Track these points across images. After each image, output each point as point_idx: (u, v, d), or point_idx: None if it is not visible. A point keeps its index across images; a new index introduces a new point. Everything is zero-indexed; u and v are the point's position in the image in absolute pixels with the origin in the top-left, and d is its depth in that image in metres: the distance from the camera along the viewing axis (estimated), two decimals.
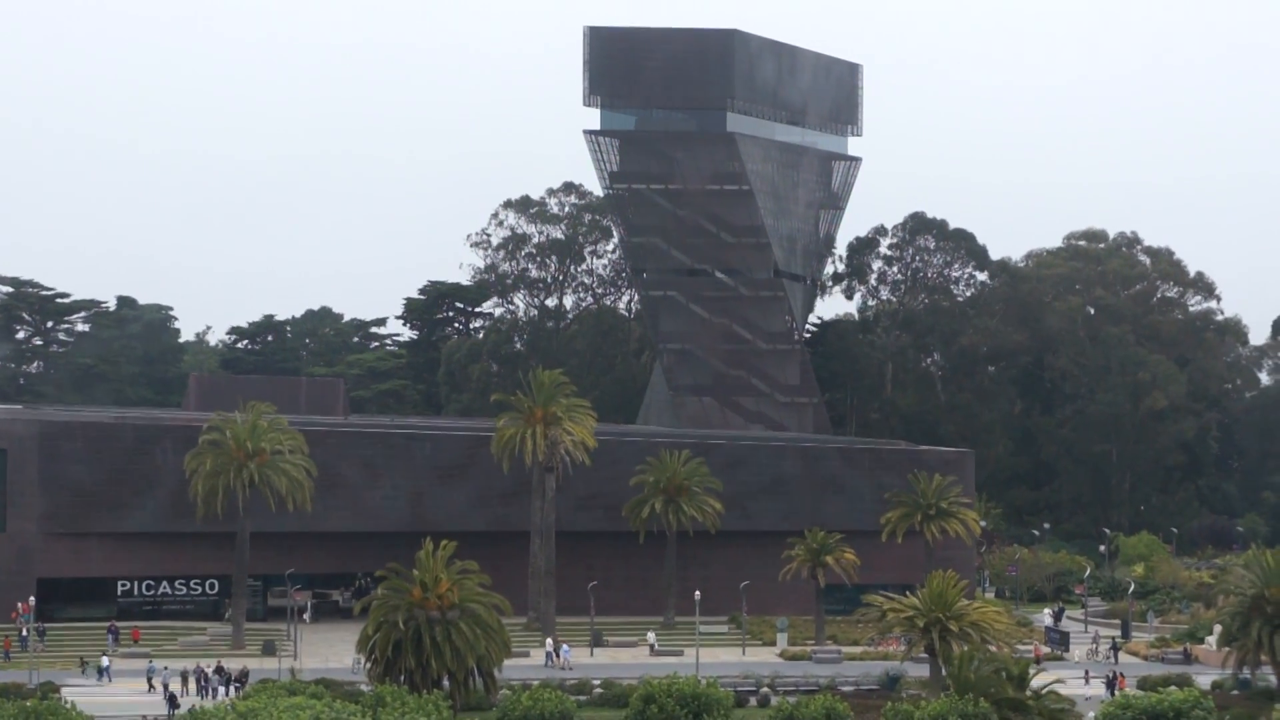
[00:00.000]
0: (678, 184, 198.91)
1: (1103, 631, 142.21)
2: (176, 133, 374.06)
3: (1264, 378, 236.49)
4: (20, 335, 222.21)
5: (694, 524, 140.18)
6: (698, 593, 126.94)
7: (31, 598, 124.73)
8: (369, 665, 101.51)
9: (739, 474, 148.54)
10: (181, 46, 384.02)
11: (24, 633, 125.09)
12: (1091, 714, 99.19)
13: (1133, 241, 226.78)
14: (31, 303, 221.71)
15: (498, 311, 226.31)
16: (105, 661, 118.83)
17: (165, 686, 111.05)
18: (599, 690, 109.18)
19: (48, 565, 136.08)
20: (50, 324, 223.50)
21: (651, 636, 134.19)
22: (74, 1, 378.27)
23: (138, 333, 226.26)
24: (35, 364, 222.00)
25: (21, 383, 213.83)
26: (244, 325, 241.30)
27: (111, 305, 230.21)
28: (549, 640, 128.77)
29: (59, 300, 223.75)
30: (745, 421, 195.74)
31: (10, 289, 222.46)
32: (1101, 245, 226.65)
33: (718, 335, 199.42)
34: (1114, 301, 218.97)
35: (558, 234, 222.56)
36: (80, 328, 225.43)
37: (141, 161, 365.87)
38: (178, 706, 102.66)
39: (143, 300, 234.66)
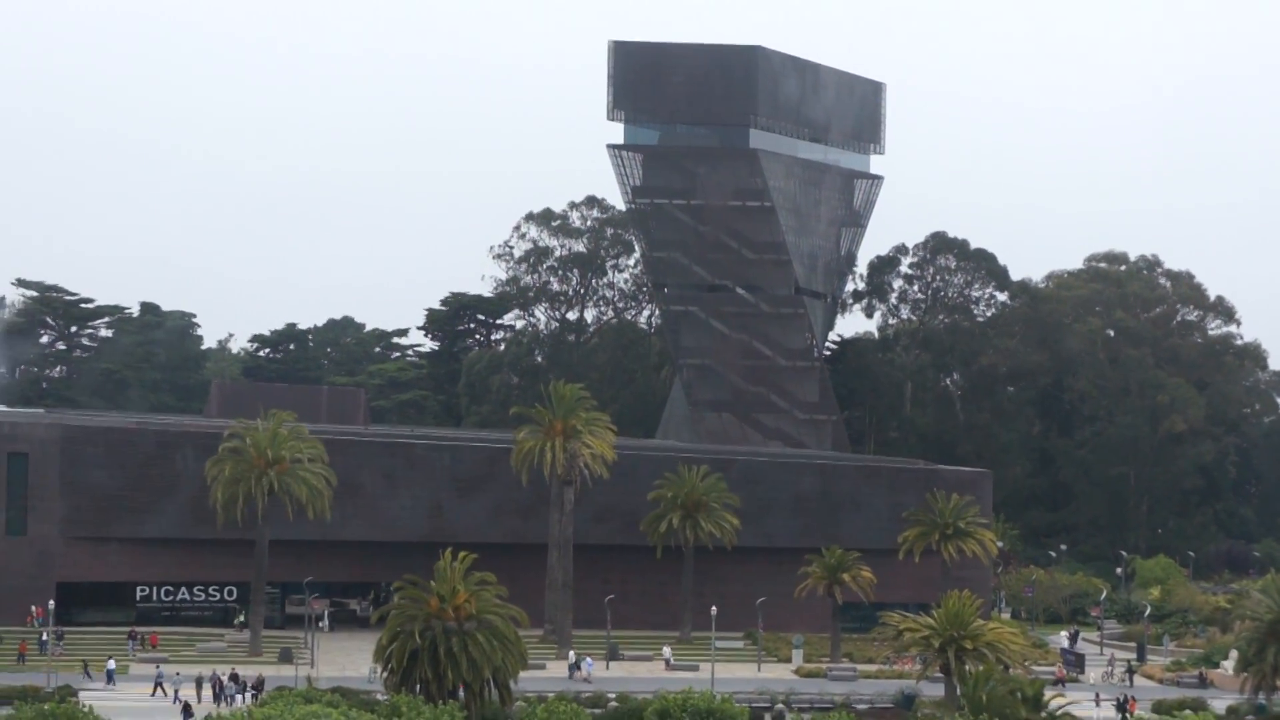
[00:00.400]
0: (700, 199, 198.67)
1: (1118, 654, 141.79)
2: (201, 141, 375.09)
3: None
4: (44, 340, 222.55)
5: (711, 539, 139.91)
6: (714, 608, 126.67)
7: (51, 602, 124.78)
8: (385, 674, 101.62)
9: (757, 490, 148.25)
10: (210, 55, 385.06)
11: (44, 637, 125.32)
12: None
13: (1153, 264, 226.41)
14: (55, 308, 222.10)
15: (519, 324, 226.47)
16: (111, 665, 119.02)
17: (175, 692, 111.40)
18: (614, 704, 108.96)
19: (68, 569, 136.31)
20: (74, 329, 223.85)
21: (667, 651, 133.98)
22: (103, 8, 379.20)
23: (161, 339, 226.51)
24: (58, 368, 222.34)
25: (44, 387, 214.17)
26: (266, 333, 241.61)
27: (135, 311, 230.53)
28: (571, 653, 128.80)
29: (83, 305, 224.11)
30: (764, 438, 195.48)
31: (35, 294, 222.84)
32: (1122, 268, 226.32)
33: (738, 351, 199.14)
34: (1134, 324, 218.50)
35: (579, 247, 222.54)
36: (104, 333, 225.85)
37: (166, 170, 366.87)
38: (192, 715, 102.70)
39: (166, 307, 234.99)
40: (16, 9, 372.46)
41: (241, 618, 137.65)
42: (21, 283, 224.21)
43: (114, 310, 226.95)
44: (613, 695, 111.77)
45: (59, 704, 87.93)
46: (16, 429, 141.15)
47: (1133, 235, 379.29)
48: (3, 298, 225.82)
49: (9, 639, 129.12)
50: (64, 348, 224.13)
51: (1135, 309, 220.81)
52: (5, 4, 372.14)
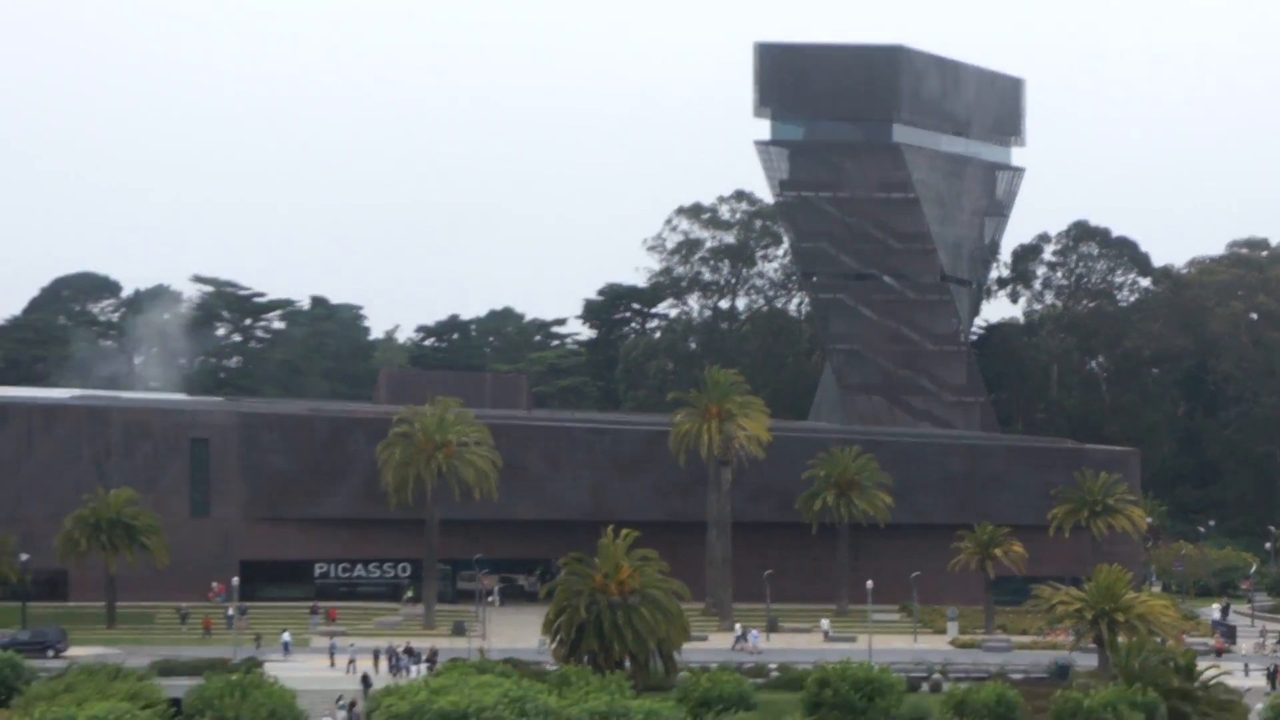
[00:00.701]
0: (845, 192, 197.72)
1: (1270, 626, 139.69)
2: (367, 140, 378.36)
3: None
4: (220, 332, 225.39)
5: (865, 516, 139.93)
6: (870, 582, 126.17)
7: (235, 579, 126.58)
8: (554, 646, 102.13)
9: (908, 469, 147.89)
10: (376, 52, 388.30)
11: (229, 612, 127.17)
12: (1259, 706, 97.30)
13: None
14: (231, 302, 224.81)
15: (673, 312, 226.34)
16: (286, 637, 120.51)
17: (351, 663, 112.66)
18: (775, 674, 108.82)
19: (249, 548, 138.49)
20: (248, 322, 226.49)
21: (825, 623, 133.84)
22: (277, 5, 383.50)
23: (330, 330, 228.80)
24: (235, 359, 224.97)
25: (222, 376, 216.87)
26: (431, 324, 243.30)
27: (305, 305, 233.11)
28: (738, 625, 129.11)
29: (256, 300, 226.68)
30: (913, 419, 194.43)
31: (211, 289, 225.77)
32: (1264, 253, 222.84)
33: (886, 337, 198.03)
34: (1276, 308, 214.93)
35: (729, 239, 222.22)
36: (276, 325, 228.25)
37: (333, 169, 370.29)
38: (371, 685, 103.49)
39: (335, 300, 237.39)
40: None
41: (410, 593, 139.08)
42: (198, 279, 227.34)
43: (285, 304, 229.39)
44: (774, 665, 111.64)
45: (245, 674, 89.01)
46: (198, 416, 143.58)
47: (1274, 221, 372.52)
48: (180, 293, 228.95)
49: (195, 614, 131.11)
50: (240, 339, 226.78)
51: (1278, 293, 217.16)
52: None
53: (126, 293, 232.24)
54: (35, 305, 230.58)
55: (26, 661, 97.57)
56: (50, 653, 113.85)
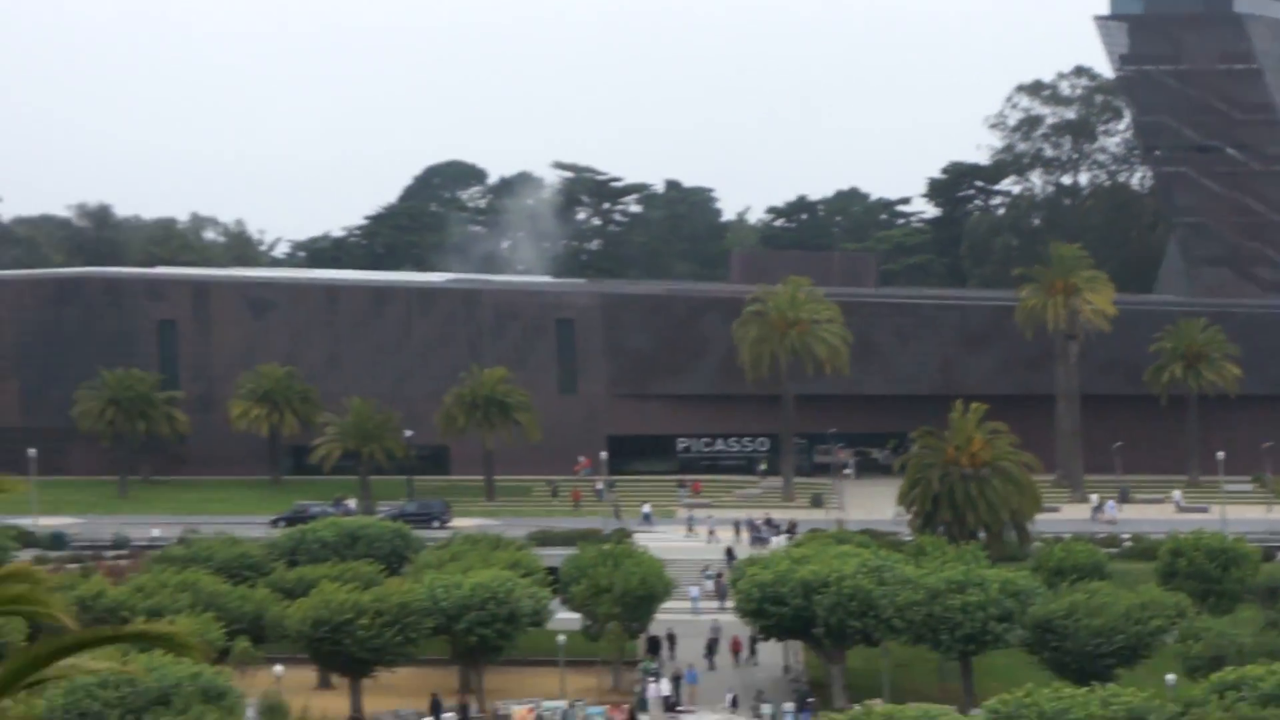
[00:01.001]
0: (1186, 65, 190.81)
1: None
2: (716, 26, 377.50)
3: None
4: (581, 216, 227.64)
5: (1213, 388, 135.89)
6: (1220, 453, 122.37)
7: (603, 453, 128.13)
8: (909, 517, 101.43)
9: (1257, 340, 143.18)
10: None
11: (599, 486, 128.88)
12: None
13: None
14: (589, 187, 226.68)
15: (1016, 189, 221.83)
16: (647, 509, 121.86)
17: (711, 533, 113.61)
18: (1128, 544, 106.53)
19: (614, 423, 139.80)
20: (607, 206, 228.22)
21: (1177, 494, 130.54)
22: None
23: (684, 213, 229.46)
24: (594, 242, 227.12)
25: (584, 259, 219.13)
26: (780, 205, 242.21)
27: (660, 188, 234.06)
28: (1094, 496, 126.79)
29: (613, 184, 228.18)
30: (1261, 291, 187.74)
31: (571, 175, 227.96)
32: None
33: (1231, 209, 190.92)
34: None
35: (1070, 115, 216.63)
36: (633, 209, 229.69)
37: (683, 61, 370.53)
38: (734, 556, 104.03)
39: (687, 183, 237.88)
40: None
41: (764, 466, 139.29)
42: (559, 165, 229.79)
43: (641, 188, 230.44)
44: (1126, 536, 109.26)
45: (617, 545, 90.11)
46: (562, 298, 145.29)
47: None
48: (542, 180, 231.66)
49: (564, 487, 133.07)
50: (599, 223, 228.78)
51: None
52: None
53: (492, 180, 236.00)
54: (409, 194, 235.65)
55: (414, 532, 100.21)
56: (435, 524, 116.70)
